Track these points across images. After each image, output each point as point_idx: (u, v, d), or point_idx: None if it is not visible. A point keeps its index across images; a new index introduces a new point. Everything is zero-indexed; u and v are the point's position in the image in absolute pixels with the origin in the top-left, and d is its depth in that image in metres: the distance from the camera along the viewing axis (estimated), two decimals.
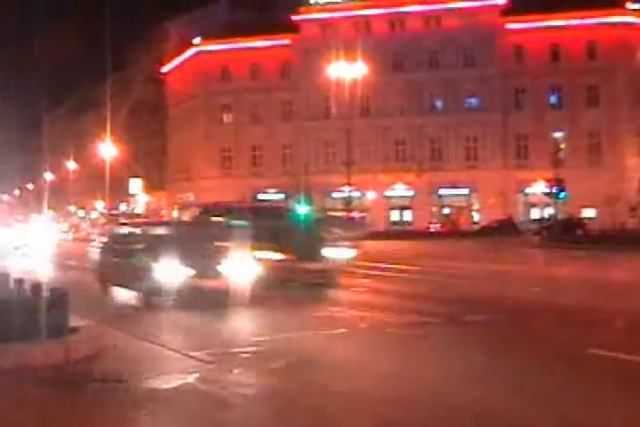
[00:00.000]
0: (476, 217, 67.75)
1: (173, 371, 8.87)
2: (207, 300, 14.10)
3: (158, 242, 16.15)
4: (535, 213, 65.04)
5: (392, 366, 9.17)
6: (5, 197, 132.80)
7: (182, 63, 78.21)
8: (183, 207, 58.17)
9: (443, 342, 11.02)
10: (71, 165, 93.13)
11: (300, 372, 8.96)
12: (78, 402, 7.43)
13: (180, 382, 8.23)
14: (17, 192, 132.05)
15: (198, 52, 74.72)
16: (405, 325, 12.51)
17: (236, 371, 8.92)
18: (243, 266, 15.31)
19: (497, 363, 9.27)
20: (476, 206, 68.33)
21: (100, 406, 7.33)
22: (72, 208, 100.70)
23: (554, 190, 48.31)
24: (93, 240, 26.88)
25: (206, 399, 7.56)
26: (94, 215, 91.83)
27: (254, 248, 16.63)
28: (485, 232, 57.17)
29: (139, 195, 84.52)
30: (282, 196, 69.64)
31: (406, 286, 19.48)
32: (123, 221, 29.30)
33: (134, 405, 7.33)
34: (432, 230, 63.97)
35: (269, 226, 18.66)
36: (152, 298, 15.06)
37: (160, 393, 7.80)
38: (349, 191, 56.35)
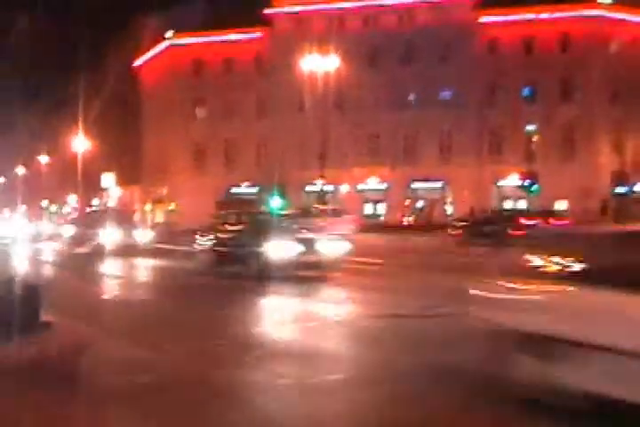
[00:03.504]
0: (450, 210, 67.88)
1: (146, 366, 8.78)
2: None
3: None
4: (508, 206, 65.23)
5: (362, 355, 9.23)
6: None
7: (155, 57, 77.74)
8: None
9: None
10: (43, 159, 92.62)
11: (272, 364, 8.96)
12: (45, 399, 7.31)
13: (152, 377, 8.18)
14: None
15: (171, 46, 74.31)
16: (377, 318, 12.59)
17: (208, 364, 8.89)
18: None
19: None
20: (449, 199, 68.50)
21: (69, 402, 7.25)
22: (45, 203, 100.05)
23: (526, 184, 48.62)
24: None
25: (177, 395, 7.51)
26: (66, 210, 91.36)
27: None
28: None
29: (111, 189, 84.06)
30: (255, 190, 69.63)
31: (380, 280, 19.56)
32: None
33: (103, 401, 7.25)
34: (405, 224, 64.12)
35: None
36: None
37: (131, 389, 7.73)
38: (322, 185, 56.35)
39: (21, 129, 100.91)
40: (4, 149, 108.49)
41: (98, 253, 28.66)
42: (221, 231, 21.78)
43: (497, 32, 65.67)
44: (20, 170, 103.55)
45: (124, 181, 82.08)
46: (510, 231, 34.70)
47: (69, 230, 35.05)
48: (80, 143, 71.94)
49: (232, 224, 21.91)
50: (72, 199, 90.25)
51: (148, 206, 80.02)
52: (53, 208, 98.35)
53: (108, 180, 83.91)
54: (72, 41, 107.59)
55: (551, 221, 39.23)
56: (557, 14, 64.57)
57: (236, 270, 19.83)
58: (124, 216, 35.46)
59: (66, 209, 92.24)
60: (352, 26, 68.31)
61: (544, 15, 64.58)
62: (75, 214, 65.30)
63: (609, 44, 62.66)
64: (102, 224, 30.71)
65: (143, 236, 31.49)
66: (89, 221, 33.87)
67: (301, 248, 18.17)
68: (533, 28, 64.74)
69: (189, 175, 71.58)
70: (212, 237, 21.96)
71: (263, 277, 17.97)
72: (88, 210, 65.65)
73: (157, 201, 77.44)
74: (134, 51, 78.90)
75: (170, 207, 74.87)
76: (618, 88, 62.87)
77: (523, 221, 36.84)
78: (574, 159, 63.98)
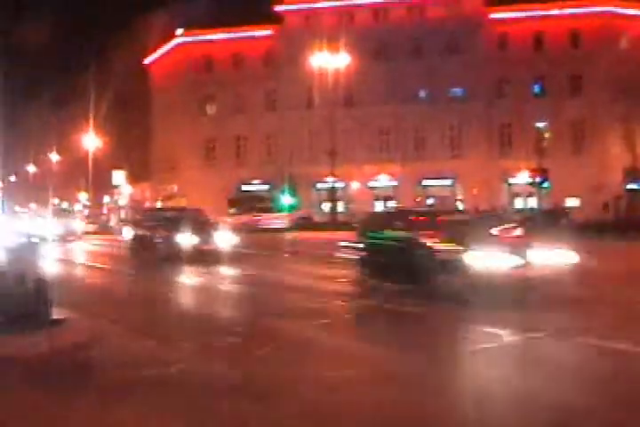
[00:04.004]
0: (460, 207, 67.77)
1: (157, 361, 8.79)
2: None
3: None
4: (519, 203, 65.24)
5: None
6: None
7: (165, 53, 77.84)
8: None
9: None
10: (54, 157, 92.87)
11: (284, 359, 8.94)
12: (52, 394, 7.31)
13: (162, 371, 8.19)
14: None
15: (181, 43, 74.40)
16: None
17: (219, 359, 8.88)
18: None
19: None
20: (459, 196, 68.39)
21: (78, 397, 7.25)
22: (56, 201, 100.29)
23: (537, 180, 48.45)
24: None
25: (187, 389, 7.51)
26: (78, 207, 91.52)
27: None
28: None
29: (122, 186, 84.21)
30: (266, 186, 69.69)
31: None
32: None
33: (112, 395, 7.25)
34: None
35: None
36: None
37: (141, 383, 7.75)
38: (333, 182, 56.35)
39: (30, 127, 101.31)
40: (14, 147, 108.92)
41: (172, 260, 23.65)
42: (379, 236, 16.57)
43: (507, 27, 65.52)
44: (31, 168, 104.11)
45: (134, 178, 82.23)
46: None
47: (129, 232, 30.08)
48: (90, 141, 72.14)
49: (397, 227, 16.35)
50: (82, 197, 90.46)
51: (159, 204, 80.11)
52: (64, 206, 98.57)
53: (118, 177, 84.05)
54: (82, 38, 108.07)
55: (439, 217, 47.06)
56: (567, 10, 64.43)
57: (401, 288, 15.06)
58: (197, 216, 29.15)
59: (77, 207, 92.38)
60: (361, 21, 68.21)
61: (554, 11, 64.44)
62: (123, 212, 62.22)
63: (619, 40, 62.45)
64: (173, 225, 25.58)
65: (225, 239, 25.19)
66: (153, 221, 28.23)
67: (514, 259, 13.54)
68: (543, 24, 64.59)
69: (199, 172, 71.63)
70: (362, 243, 17.06)
71: (464, 298, 12.93)
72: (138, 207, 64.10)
73: (168, 198, 77.48)
74: (144, 48, 79.00)
75: (181, 204, 74.94)
76: (628, 83, 62.52)
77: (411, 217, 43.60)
78: (584, 155, 63.76)
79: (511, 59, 65.23)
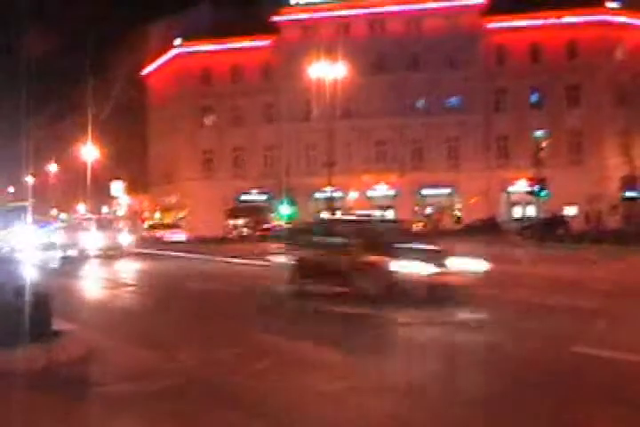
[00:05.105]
0: (459, 216, 67.79)
1: (157, 374, 8.78)
2: None
3: None
4: (517, 212, 65.18)
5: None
6: None
7: (163, 65, 77.91)
8: None
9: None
10: (53, 168, 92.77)
11: (284, 372, 8.93)
12: (54, 407, 7.32)
13: (162, 384, 8.18)
14: None
15: (179, 54, 74.47)
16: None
17: (218, 372, 8.88)
18: None
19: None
20: (458, 206, 68.42)
21: (78, 410, 7.25)
22: (54, 211, 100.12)
23: (535, 189, 48.52)
24: None
25: (186, 402, 7.50)
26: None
27: None
28: (468, 232, 56.89)
29: (120, 197, 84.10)
30: (264, 197, 69.71)
31: None
32: None
33: (109, 409, 7.25)
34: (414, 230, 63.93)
35: None
36: None
37: (139, 397, 7.73)
38: (331, 192, 56.32)
39: (28, 138, 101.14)
40: (12, 158, 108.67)
41: (384, 300, 14.56)
42: None
43: (504, 38, 65.63)
44: (30, 179, 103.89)
45: (132, 189, 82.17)
46: (257, 232, 57.48)
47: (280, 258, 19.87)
48: (89, 152, 72.04)
49: None
50: (81, 208, 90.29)
51: (157, 215, 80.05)
52: (63, 216, 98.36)
53: (117, 188, 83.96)
54: (80, 49, 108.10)
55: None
56: (565, 20, 64.55)
57: None
58: (402, 230, 19.88)
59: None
60: (359, 33, 68.37)
61: (551, 21, 64.56)
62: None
63: (616, 49, 62.55)
64: (381, 246, 16.17)
65: (467, 266, 15.69)
66: (334, 238, 17.42)
67: None
68: (540, 34, 64.73)
69: (198, 183, 71.60)
70: None
71: None
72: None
73: (166, 209, 77.45)
74: (142, 58, 79.05)
75: (179, 215, 74.88)
76: (625, 93, 62.72)
77: (265, 225, 58.83)
78: (582, 164, 63.89)
79: (509, 69, 65.43)
